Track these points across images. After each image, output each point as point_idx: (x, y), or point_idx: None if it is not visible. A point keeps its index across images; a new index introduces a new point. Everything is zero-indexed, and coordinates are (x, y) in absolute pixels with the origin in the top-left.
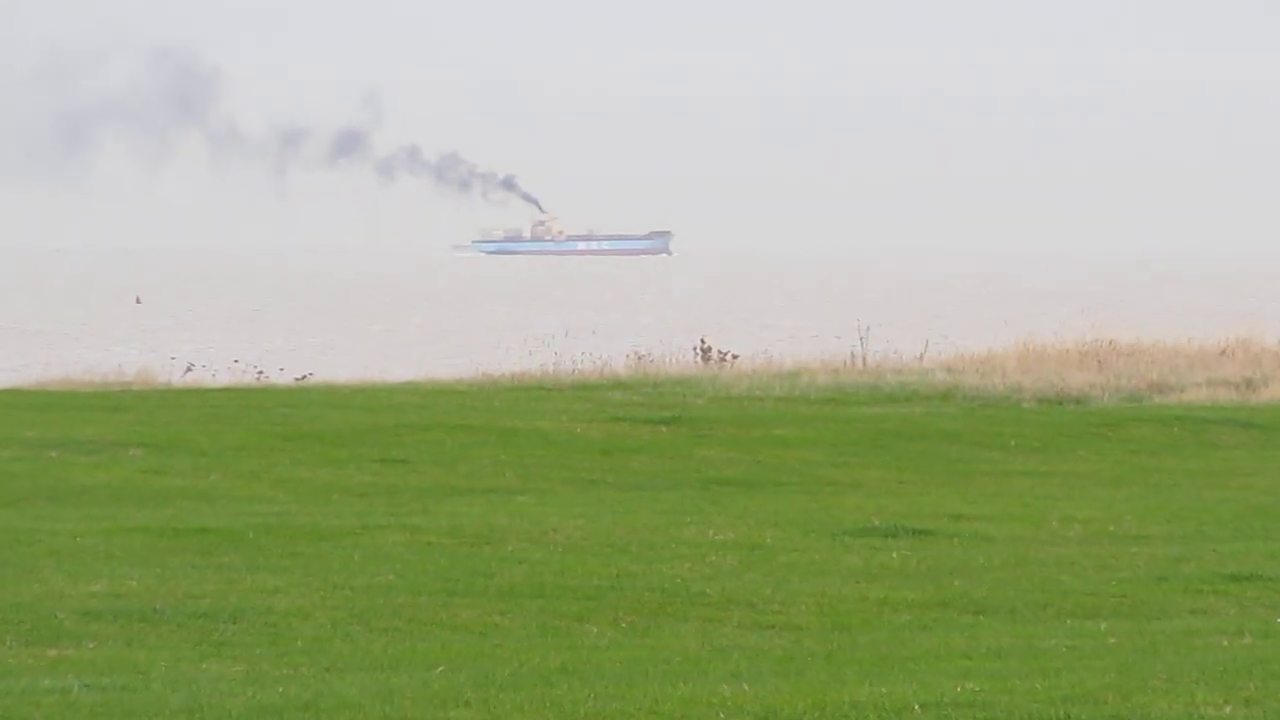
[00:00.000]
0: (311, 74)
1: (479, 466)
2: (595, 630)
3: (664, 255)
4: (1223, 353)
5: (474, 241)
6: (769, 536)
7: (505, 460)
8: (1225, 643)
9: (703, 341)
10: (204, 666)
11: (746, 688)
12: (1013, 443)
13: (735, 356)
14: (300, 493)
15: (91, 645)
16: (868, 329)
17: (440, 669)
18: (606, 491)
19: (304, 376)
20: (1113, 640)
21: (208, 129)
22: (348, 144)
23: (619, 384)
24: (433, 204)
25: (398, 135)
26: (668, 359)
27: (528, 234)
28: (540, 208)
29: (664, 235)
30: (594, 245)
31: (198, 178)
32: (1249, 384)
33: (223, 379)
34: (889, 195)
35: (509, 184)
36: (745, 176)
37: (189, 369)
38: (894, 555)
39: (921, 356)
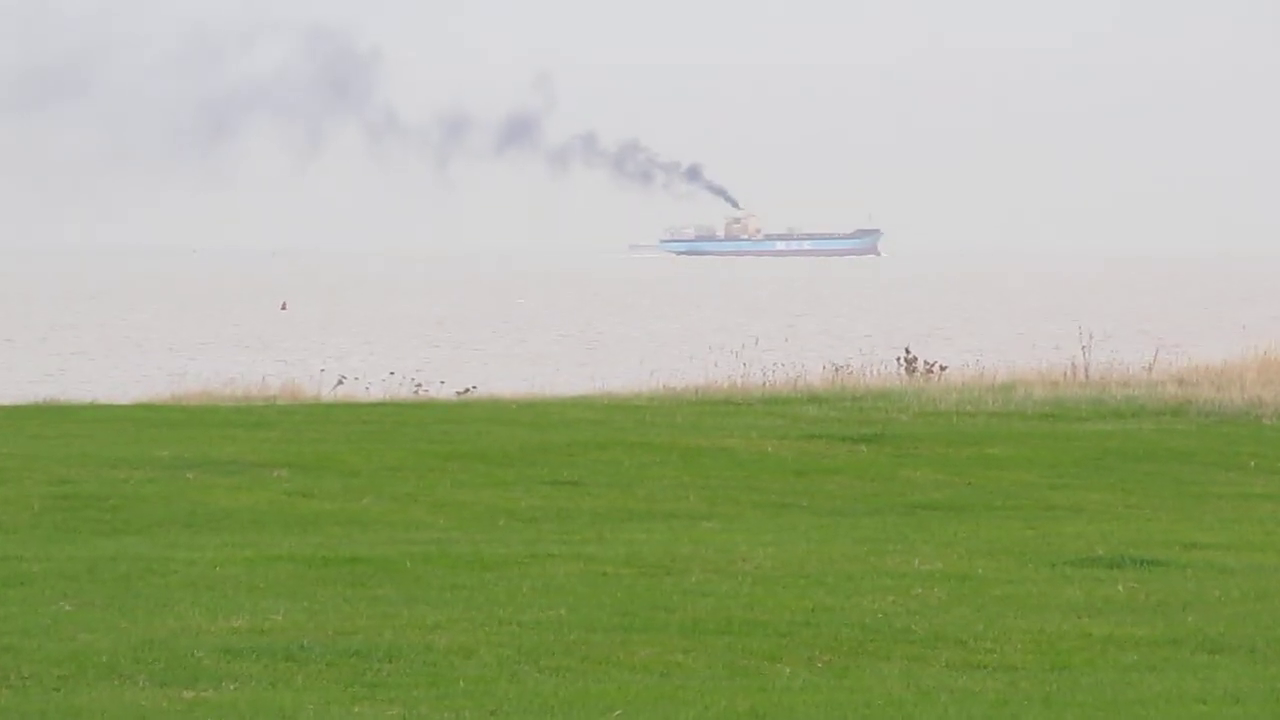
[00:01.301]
0: (478, 55)
1: (659, 489)
2: (788, 671)
3: (872, 255)
4: None
5: (661, 241)
6: (980, 567)
7: (688, 482)
8: None
9: (907, 351)
10: (356, 710)
11: None
12: (1253, 463)
13: (943, 367)
14: (462, 518)
15: (232, 686)
16: (1090, 337)
17: (617, 713)
18: (800, 517)
19: (466, 390)
20: None
21: (364, 117)
22: (517, 132)
23: (814, 398)
24: (611, 198)
25: (572, 122)
26: (868, 370)
27: (721, 232)
28: (735, 204)
29: (872, 233)
30: (795, 245)
31: (353, 171)
32: None
33: (376, 393)
34: (1126, 194)
35: (694, 174)
36: (960, 170)
37: (339, 382)
38: (1119, 588)
39: (1150, 367)
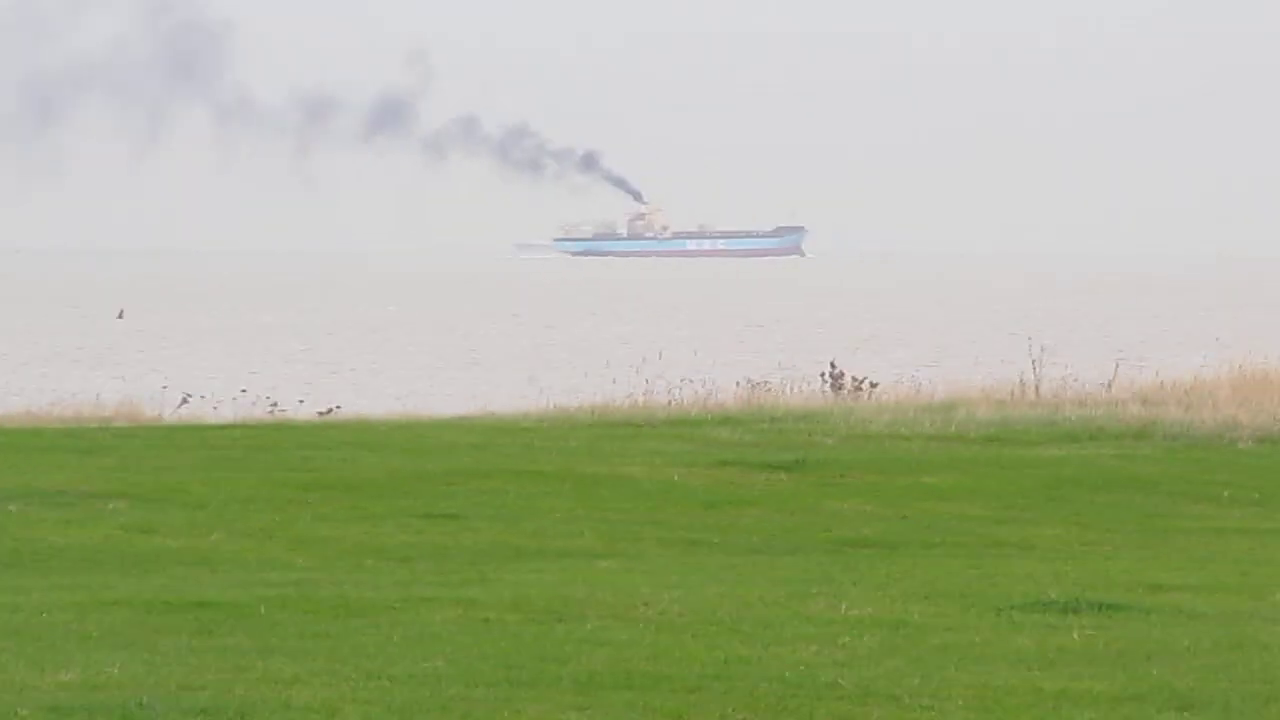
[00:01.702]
0: (344, 29)
1: (550, 523)
2: None
3: (795, 256)
4: None
5: (555, 240)
6: (917, 612)
7: (583, 515)
8: None
9: (833, 366)
10: None
11: None
12: (1226, 493)
13: (874, 384)
14: (325, 556)
15: None
16: (1041, 350)
17: None
18: (711, 555)
19: (329, 410)
20: None
21: (214, 99)
22: (388, 116)
23: (727, 419)
24: (496, 191)
25: (451, 104)
26: (788, 388)
27: (624, 230)
28: (638, 197)
29: (795, 231)
30: (708, 245)
31: (199, 160)
32: None
33: (226, 414)
34: (1049, 191)
35: (590, 163)
36: (889, 164)
37: (184, 401)
38: (1074, 635)
39: (1109, 384)
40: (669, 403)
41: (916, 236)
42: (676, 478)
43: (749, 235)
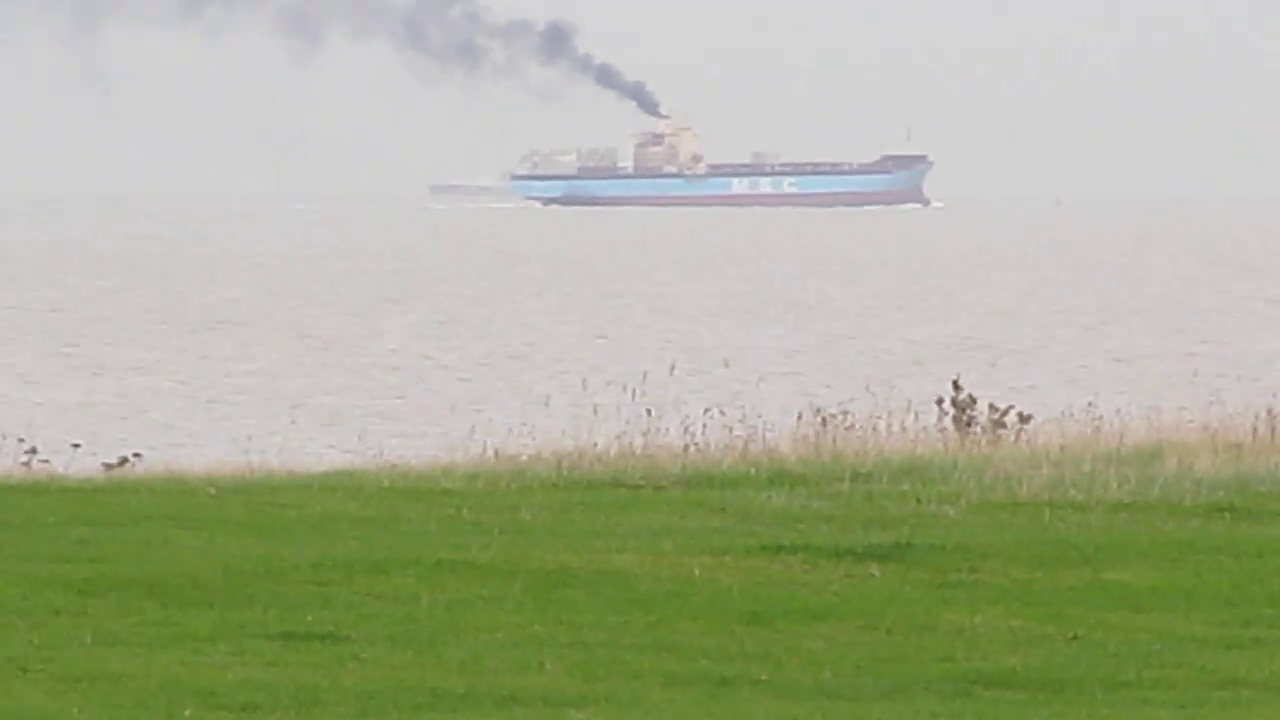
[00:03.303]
0: None
1: (490, 649)
2: None
3: (914, 205)
4: None
5: (515, 179)
6: None
7: (544, 636)
8: None
9: (956, 387)
10: None
11: None
12: None
13: (1024, 418)
14: (114, 705)
15: None
16: None
17: None
18: (756, 700)
19: (123, 461)
20: None
21: None
22: None
23: (782, 475)
24: (401, 96)
25: None
26: (882, 424)
27: (629, 161)
28: (652, 107)
29: (913, 165)
30: (768, 186)
31: None
32: None
33: None
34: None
35: (557, 43)
36: (1040, 83)
37: None
38: None
39: None
40: (685, 448)
41: (1077, 177)
42: (698, 573)
43: (837, 171)
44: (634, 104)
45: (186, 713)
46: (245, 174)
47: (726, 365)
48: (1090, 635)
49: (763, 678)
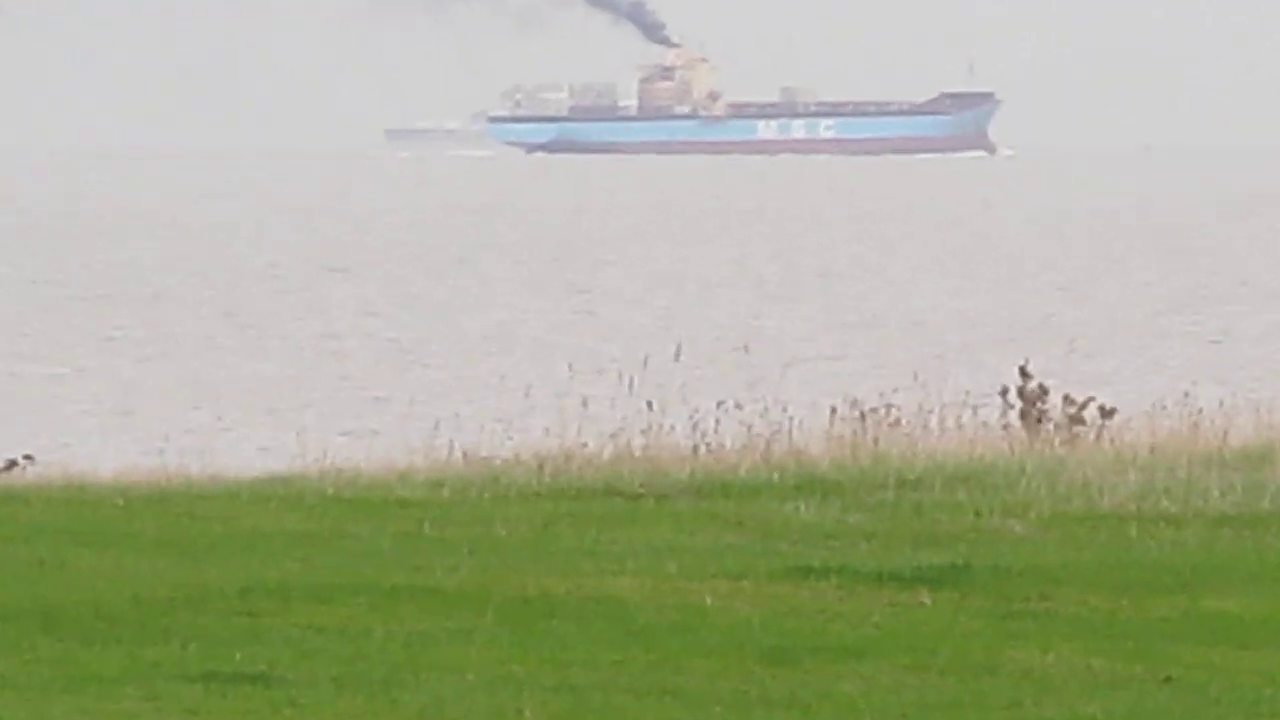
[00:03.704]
0: None
1: (457, 693)
2: None
3: (977, 153)
4: None
5: (491, 121)
6: None
7: (523, 677)
8: None
9: (1024, 374)
10: None
11: None
12: None
13: (1106, 412)
14: None
15: None
16: None
17: None
18: None
19: (11, 464)
20: None
21: None
22: None
23: (811, 482)
24: (367, 24)
25: None
26: (932, 420)
27: (633, 99)
28: (661, 36)
29: (977, 104)
30: (801, 129)
31: None
32: None
33: None
34: None
35: None
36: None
37: None
38: None
39: None
40: (694, 449)
41: (1169, 122)
42: (710, 601)
43: (884, 113)
44: (635, 29)
45: None
46: (173, 126)
47: (746, 350)
48: (1187, 677)
49: None
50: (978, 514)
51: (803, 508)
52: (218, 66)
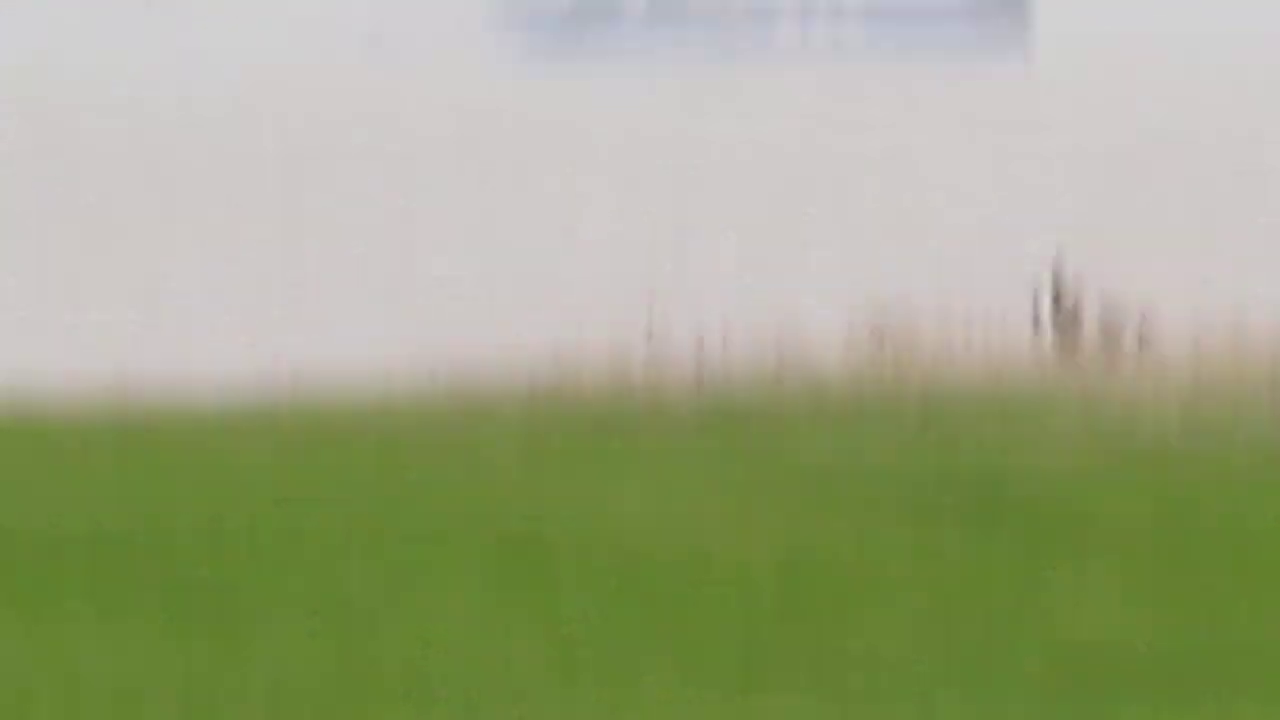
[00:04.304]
0: None
1: (438, 637)
2: None
3: (1014, 55)
4: None
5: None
6: None
7: (513, 619)
8: None
9: (1056, 279)
10: None
11: None
12: None
13: (1146, 326)
14: None
15: None
16: None
17: None
18: (794, 707)
19: None
20: None
21: None
22: None
23: (823, 401)
24: None
25: None
26: (957, 329)
27: None
28: None
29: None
30: (819, 33)
31: None
32: None
33: None
34: None
35: None
36: None
37: None
38: None
39: None
40: (699, 365)
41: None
42: (713, 535)
43: (907, 11)
44: None
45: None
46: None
47: (762, 263)
48: (1240, 618)
49: (803, 678)
50: (1006, 435)
51: (820, 431)
52: None
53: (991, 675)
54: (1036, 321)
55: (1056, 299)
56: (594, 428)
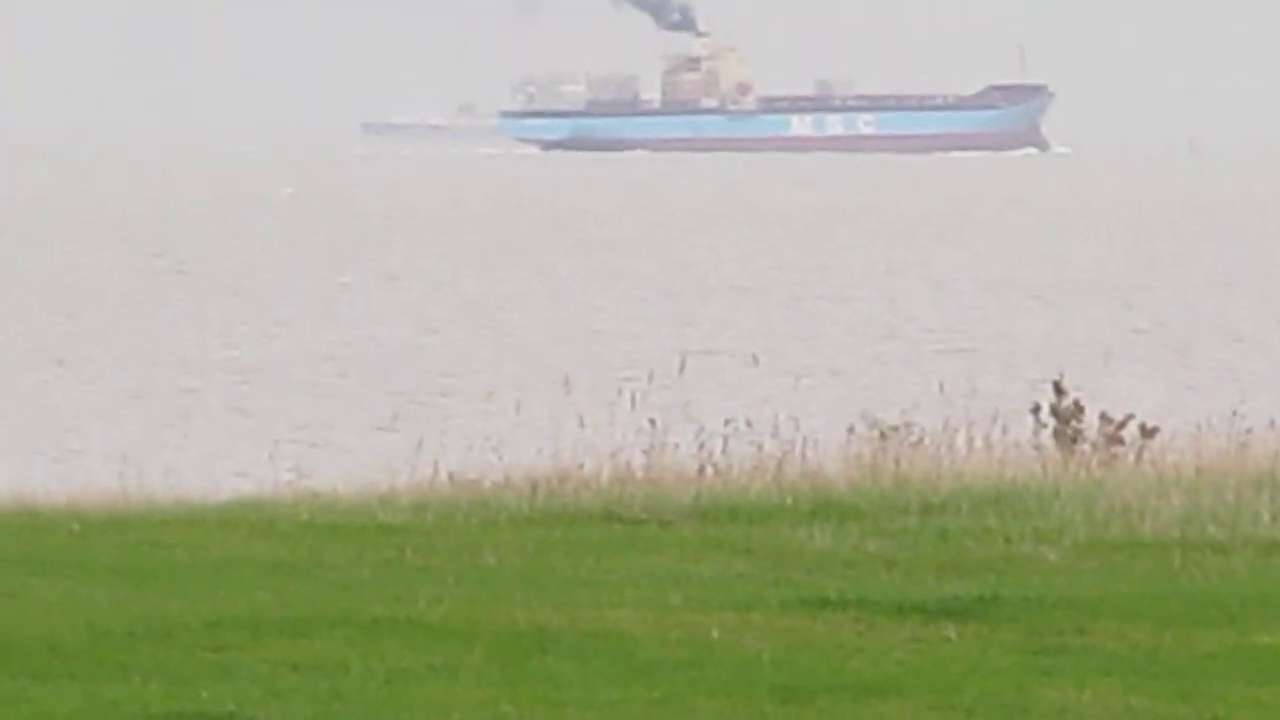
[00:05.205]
0: None
1: None
2: None
3: (1029, 150)
4: None
5: (503, 114)
6: None
7: (513, 717)
8: None
9: (1058, 390)
10: None
11: None
12: None
13: (1148, 431)
14: None
15: None
16: None
17: None
18: None
19: None
20: None
21: None
22: None
23: (827, 504)
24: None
25: None
26: (959, 439)
27: (655, 93)
28: (688, 23)
29: (1029, 97)
30: (839, 124)
31: None
32: None
33: None
34: None
35: None
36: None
37: None
38: None
39: None
40: (700, 470)
41: (1212, 111)
42: (717, 635)
43: (928, 106)
44: (661, 24)
45: None
46: (123, 112)
47: (756, 362)
48: (1234, 717)
49: None
50: (1008, 540)
51: (817, 534)
52: (177, 42)
53: None
54: (1038, 429)
55: (1056, 409)
56: (599, 517)
